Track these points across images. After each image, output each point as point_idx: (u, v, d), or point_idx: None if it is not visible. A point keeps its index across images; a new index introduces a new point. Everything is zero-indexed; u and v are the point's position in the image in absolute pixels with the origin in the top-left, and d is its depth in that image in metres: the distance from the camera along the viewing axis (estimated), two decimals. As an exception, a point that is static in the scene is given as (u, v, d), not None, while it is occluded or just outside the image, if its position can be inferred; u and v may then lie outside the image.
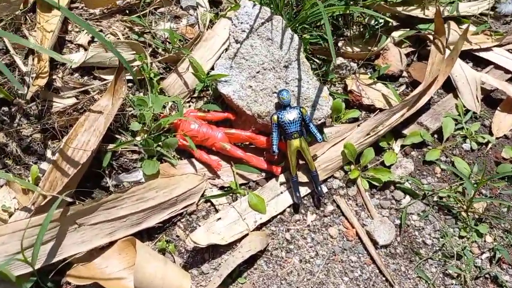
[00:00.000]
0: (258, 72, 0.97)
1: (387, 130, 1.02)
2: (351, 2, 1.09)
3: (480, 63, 1.23)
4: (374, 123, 1.02)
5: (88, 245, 0.78)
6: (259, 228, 0.92)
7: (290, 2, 1.08)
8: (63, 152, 0.84)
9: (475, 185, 0.95)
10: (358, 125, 1.03)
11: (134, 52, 0.99)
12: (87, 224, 0.78)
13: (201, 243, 0.84)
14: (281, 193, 0.95)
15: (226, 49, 1.06)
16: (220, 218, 0.89)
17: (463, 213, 0.97)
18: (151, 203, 0.85)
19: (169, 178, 0.89)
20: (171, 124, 0.94)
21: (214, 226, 0.88)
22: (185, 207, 0.90)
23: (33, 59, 0.92)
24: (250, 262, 0.88)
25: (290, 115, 0.90)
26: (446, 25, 1.21)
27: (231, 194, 0.94)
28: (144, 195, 0.84)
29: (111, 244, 0.81)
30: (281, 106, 0.91)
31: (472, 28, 1.27)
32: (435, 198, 0.99)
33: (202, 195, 0.93)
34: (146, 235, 0.88)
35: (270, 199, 0.94)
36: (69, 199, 0.75)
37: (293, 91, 0.97)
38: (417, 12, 1.22)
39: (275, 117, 0.90)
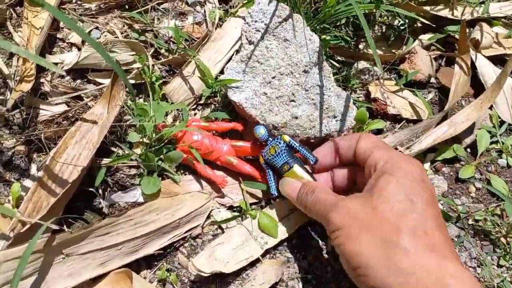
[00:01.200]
0: (274, 78, 0.86)
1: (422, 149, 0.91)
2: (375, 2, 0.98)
3: (514, 69, 1.11)
4: (405, 136, 0.91)
5: (77, 278, 0.67)
6: (268, 252, 0.81)
7: (310, 0, 0.96)
8: (50, 168, 0.72)
9: (518, 208, 0.84)
10: (384, 137, 0.92)
11: (134, 52, 0.87)
12: (75, 254, 0.67)
13: (205, 271, 0.73)
14: (292, 212, 0.84)
15: (237, 51, 0.95)
16: (222, 243, 0.78)
17: (502, 239, 0.86)
18: (151, 227, 0.74)
19: (172, 197, 0.78)
20: (174, 135, 0.83)
21: (217, 251, 0.77)
22: (189, 230, 0.79)
23: (17, 60, 0.80)
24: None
25: (272, 149, 0.77)
26: (477, 27, 1.10)
27: (241, 217, 0.83)
28: (143, 219, 0.73)
29: (103, 276, 0.70)
30: (264, 143, 0.80)
31: (504, 31, 1.16)
32: (471, 221, 0.88)
33: (208, 216, 0.82)
34: (144, 262, 0.77)
35: (281, 219, 0.83)
36: (55, 227, 0.64)
37: (313, 99, 0.86)
38: (445, 13, 1.11)
39: (260, 157, 0.79)
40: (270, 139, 0.79)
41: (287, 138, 0.78)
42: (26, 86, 0.74)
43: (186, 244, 0.80)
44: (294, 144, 0.77)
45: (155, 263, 0.77)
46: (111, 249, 0.70)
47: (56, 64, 0.84)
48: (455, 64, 1.03)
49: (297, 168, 0.75)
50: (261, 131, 0.77)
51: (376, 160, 0.61)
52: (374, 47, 0.72)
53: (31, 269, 0.63)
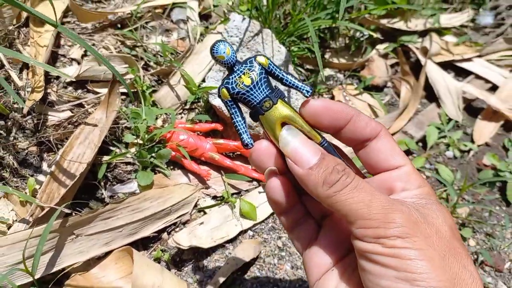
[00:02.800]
0: (248, 84, 1.00)
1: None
2: (337, 15, 1.13)
3: (461, 73, 1.28)
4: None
5: (86, 255, 0.80)
6: (251, 236, 0.94)
7: (278, 16, 1.11)
8: (59, 165, 0.86)
9: (458, 191, 0.98)
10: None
11: (127, 65, 1.01)
12: (84, 235, 0.80)
13: (183, 244, 0.86)
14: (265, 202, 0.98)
15: (217, 62, 1.08)
16: (202, 223, 0.92)
17: (448, 218, 1.01)
18: (146, 213, 0.87)
19: (163, 188, 0.91)
20: (163, 136, 0.96)
21: (197, 230, 0.90)
22: (179, 216, 0.92)
23: (27, 74, 0.93)
24: (244, 269, 0.90)
25: (245, 77, 0.46)
26: (428, 37, 1.26)
27: (223, 204, 0.96)
28: (139, 205, 0.86)
29: (107, 254, 0.83)
30: (227, 69, 0.47)
31: (453, 39, 1.32)
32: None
33: (195, 205, 0.95)
34: (141, 244, 0.89)
35: (258, 204, 0.97)
36: (67, 211, 0.77)
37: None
38: (400, 25, 1.27)
39: (223, 90, 0.47)
40: (238, 60, 0.47)
41: (264, 59, 0.47)
42: (37, 96, 0.87)
43: (177, 229, 0.93)
44: (275, 69, 0.47)
45: (151, 245, 0.90)
46: (114, 231, 0.83)
47: (58, 77, 0.97)
48: (401, 84, 1.19)
49: (283, 103, 0.46)
50: (226, 50, 0.45)
51: (414, 183, 0.46)
52: (318, 51, 0.87)
53: (48, 246, 0.76)
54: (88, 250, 0.80)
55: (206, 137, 1.00)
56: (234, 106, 0.48)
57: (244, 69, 0.46)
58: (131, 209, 0.85)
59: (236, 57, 0.46)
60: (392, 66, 1.23)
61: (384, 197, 0.41)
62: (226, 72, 0.48)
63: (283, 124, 0.47)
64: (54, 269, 0.77)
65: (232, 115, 0.48)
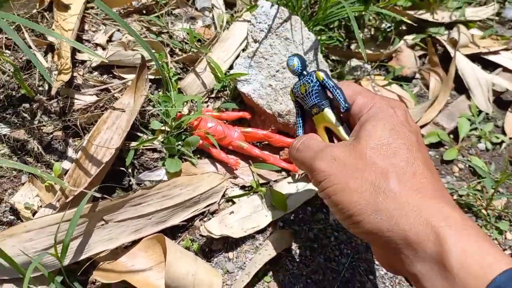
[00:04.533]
0: (277, 71, 0.97)
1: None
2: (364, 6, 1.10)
3: (488, 66, 1.25)
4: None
5: (115, 243, 0.76)
6: (281, 227, 0.91)
7: (306, 3, 1.08)
8: (86, 150, 0.82)
9: (498, 183, 0.95)
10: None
11: (154, 50, 0.98)
12: (113, 221, 0.77)
13: (215, 233, 0.83)
14: (297, 191, 0.95)
15: (244, 49, 1.06)
16: (232, 212, 0.88)
17: (483, 211, 0.97)
18: (176, 200, 0.83)
19: (192, 176, 0.88)
20: (190, 123, 0.93)
21: (227, 219, 0.87)
22: (208, 206, 0.89)
23: (52, 56, 0.90)
24: (275, 261, 0.87)
25: (303, 86, 0.64)
26: (455, 28, 1.24)
27: (252, 194, 0.93)
28: (169, 192, 0.83)
29: (135, 242, 0.80)
30: (297, 76, 0.66)
31: (479, 33, 1.29)
32: (455, 197, 0.99)
33: (224, 195, 0.92)
34: (170, 233, 0.86)
35: (288, 195, 0.94)
36: (97, 195, 0.73)
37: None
38: (426, 16, 1.24)
39: (291, 92, 0.68)
40: (305, 73, 0.65)
41: (321, 75, 0.62)
42: (65, 77, 0.84)
43: (205, 219, 0.89)
44: (328, 83, 0.61)
45: (179, 234, 0.86)
46: (143, 218, 0.79)
47: (84, 62, 0.94)
48: (430, 75, 1.16)
49: (327, 112, 0.61)
50: (294, 63, 0.65)
51: (360, 107, 0.58)
52: (360, 39, 0.84)
53: (77, 233, 0.72)
54: (118, 237, 0.77)
55: (233, 125, 0.97)
56: (298, 105, 0.68)
57: (304, 79, 0.64)
58: (161, 195, 0.82)
59: (301, 69, 0.65)
60: (419, 57, 1.20)
61: (316, 147, 0.58)
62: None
63: (326, 128, 0.63)
64: (82, 257, 0.74)
65: (296, 110, 0.69)
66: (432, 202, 0.47)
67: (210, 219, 0.89)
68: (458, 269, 0.43)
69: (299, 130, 0.68)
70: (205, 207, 0.88)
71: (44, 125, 0.84)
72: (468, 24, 1.29)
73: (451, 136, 1.09)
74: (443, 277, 0.44)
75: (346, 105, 0.58)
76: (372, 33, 1.22)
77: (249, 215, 0.89)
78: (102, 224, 0.75)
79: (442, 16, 1.26)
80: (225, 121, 0.98)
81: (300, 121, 0.69)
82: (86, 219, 0.73)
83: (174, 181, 0.84)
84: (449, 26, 1.27)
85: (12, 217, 0.77)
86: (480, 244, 0.44)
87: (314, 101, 0.62)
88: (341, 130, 0.60)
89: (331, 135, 0.64)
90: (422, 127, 1.08)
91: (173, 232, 0.86)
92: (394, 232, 0.48)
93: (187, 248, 0.85)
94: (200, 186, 0.88)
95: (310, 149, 0.57)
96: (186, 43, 1.04)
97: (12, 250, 0.68)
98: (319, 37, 1.10)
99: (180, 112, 0.95)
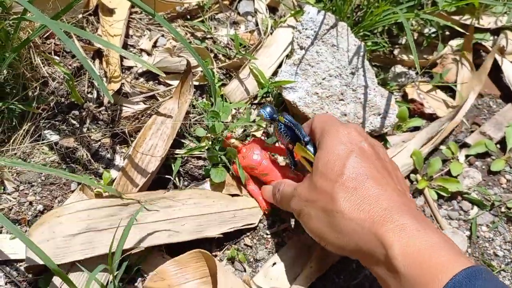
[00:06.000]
0: (324, 79, 0.96)
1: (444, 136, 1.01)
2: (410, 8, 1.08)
3: (535, 74, 1.21)
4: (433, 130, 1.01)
5: (147, 243, 0.75)
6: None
7: (352, 9, 1.07)
8: (132, 158, 0.82)
9: (547, 197, 0.93)
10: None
11: (200, 57, 0.97)
12: (143, 222, 0.76)
13: (264, 287, 0.81)
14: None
15: (288, 56, 1.04)
16: (275, 263, 0.84)
17: (533, 227, 0.95)
18: (209, 210, 0.82)
19: (223, 194, 0.86)
20: (235, 146, 0.89)
21: (271, 272, 0.83)
22: (245, 225, 0.86)
23: (100, 63, 0.91)
24: (323, 275, 0.85)
25: (276, 131, 0.80)
26: (502, 35, 1.20)
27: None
28: (201, 201, 0.82)
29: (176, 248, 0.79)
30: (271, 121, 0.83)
31: (527, 38, 1.26)
32: (503, 209, 0.97)
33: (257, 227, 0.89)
34: (215, 242, 0.85)
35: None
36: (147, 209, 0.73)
37: (359, 98, 0.96)
38: (471, 22, 1.21)
39: (281, 117, 0.78)
40: (274, 117, 0.80)
41: (282, 118, 0.75)
42: (115, 86, 0.84)
43: (248, 233, 0.87)
44: (291, 123, 0.73)
45: (224, 243, 0.85)
46: (176, 222, 0.78)
47: (130, 68, 0.94)
48: (458, 62, 1.14)
49: (298, 145, 0.73)
50: (261, 113, 0.80)
51: (314, 133, 0.69)
52: (414, 47, 0.82)
53: (107, 225, 0.73)
54: (151, 239, 0.76)
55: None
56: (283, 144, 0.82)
57: (274, 124, 0.79)
58: (193, 202, 0.81)
59: (269, 117, 0.81)
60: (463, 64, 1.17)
61: (290, 192, 0.70)
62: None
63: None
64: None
65: (286, 149, 0.82)
66: (374, 212, 0.54)
67: (254, 231, 0.88)
68: (404, 270, 0.48)
69: (291, 164, 0.80)
70: (242, 226, 0.86)
71: (93, 132, 0.84)
72: (515, 29, 1.25)
73: (498, 146, 1.06)
74: (395, 277, 0.49)
75: (305, 139, 0.69)
76: (415, 38, 1.20)
77: (292, 262, 0.86)
78: (137, 224, 0.75)
79: (488, 21, 1.22)
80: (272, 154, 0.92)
81: (289, 157, 0.80)
82: (120, 216, 0.73)
83: (206, 192, 0.83)
84: (495, 32, 1.23)
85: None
86: (432, 245, 0.48)
87: (287, 139, 0.75)
88: (307, 155, 0.70)
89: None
90: (467, 136, 1.05)
91: (218, 241, 0.85)
92: (351, 246, 0.56)
93: (232, 258, 0.84)
94: (235, 203, 0.86)
95: (286, 196, 0.71)
96: (230, 48, 1.04)
97: (42, 236, 0.70)
98: (365, 43, 1.08)
99: (231, 132, 0.92)
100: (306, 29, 0.98)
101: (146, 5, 0.74)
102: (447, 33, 1.21)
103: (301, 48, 0.98)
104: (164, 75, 0.77)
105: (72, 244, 0.71)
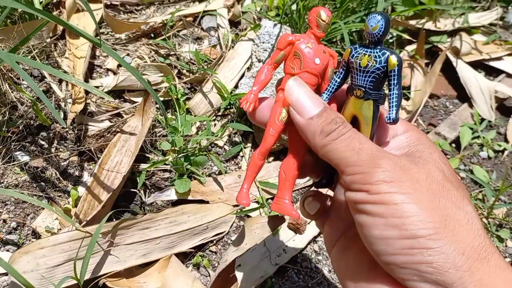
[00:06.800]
0: (281, 90, 1.01)
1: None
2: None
3: (492, 72, 1.26)
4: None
5: (123, 265, 0.81)
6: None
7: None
8: (98, 174, 0.88)
9: (495, 192, 0.98)
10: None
11: (162, 74, 1.03)
12: (122, 244, 0.82)
13: None
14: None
15: (248, 68, 1.10)
16: (240, 265, 0.89)
17: (484, 220, 1.00)
18: (184, 226, 0.87)
19: (200, 205, 0.92)
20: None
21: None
22: (216, 234, 0.92)
23: (67, 84, 0.96)
24: (281, 273, 0.91)
25: (367, 58, 0.45)
26: (457, 36, 1.25)
27: (259, 209, 0.97)
28: (177, 218, 0.87)
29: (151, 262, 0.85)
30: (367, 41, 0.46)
31: (482, 38, 1.31)
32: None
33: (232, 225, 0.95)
34: (182, 254, 0.91)
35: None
36: (107, 229, 0.79)
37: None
38: (429, 25, 1.26)
39: (348, 49, 0.47)
40: (381, 45, 0.46)
41: (394, 62, 0.44)
42: (79, 107, 0.89)
43: (213, 248, 0.93)
44: (396, 79, 0.45)
45: (189, 262, 0.91)
46: (151, 242, 0.84)
47: (97, 87, 0.99)
48: (411, 68, 1.19)
49: (371, 105, 0.46)
50: (376, 25, 0.44)
51: (406, 133, 0.48)
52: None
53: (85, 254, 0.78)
54: (126, 260, 0.82)
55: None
56: (344, 70, 0.48)
57: (374, 53, 0.45)
58: (169, 221, 0.86)
59: (381, 36, 0.44)
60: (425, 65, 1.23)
61: (374, 146, 0.42)
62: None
63: (354, 117, 0.47)
64: (90, 276, 0.78)
65: (336, 75, 0.48)
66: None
67: (220, 238, 0.93)
68: None
69: (324, 95, 0.48)
70: (213, 236, 0.92)
71: (61, 151, 0.90)
72: (471, 30, 1.31)
73: (453, 145, 1.11)
74: None
75: (395, 117, 0.44)
76: (375, 43, 1.25)
77: (256, 264, 0.92)
78: (113, 246, 0.80)
79: (444, 24, 1.27)
80: None
81: (333, 88, 0.48)
82: (99, 239, 0.79)
83: (182, 208, 0.89)
84: (452, 33, 1.28)
85: (34, 240, 0.83)
86: None
87: (366, 84, 0.46)
88: (370, 131, 0.46)
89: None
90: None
91: (185, 254, 0.91)
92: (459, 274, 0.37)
93: (197, 264, 0.90)
94: (209, 215, 0.91)
95: (362, 141, 0.42)
96: (193, 63, 1.09)
97: (27, 266, 0.75)
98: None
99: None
100: (263, 42, 1.03)
101: (110, 26, 0.79)
102: (407, 37, 1.27)
103: (259, 61, 1.03)
104: (113, 100, 0.82)
105: (56, 273, 0.77)
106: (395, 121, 0.44)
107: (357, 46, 0.46)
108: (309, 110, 0.43)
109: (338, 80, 0.48)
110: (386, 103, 0.45)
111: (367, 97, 0.45)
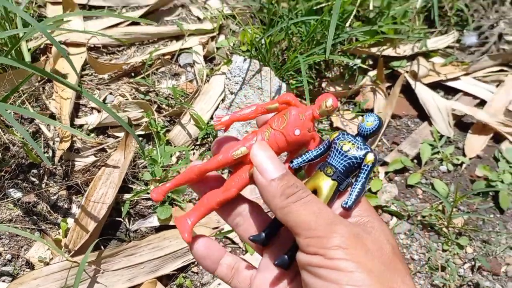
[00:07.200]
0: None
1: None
2: (331, 48, 1.23)
3: (450, 92, 1.37)
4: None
5: (111, 289, 0.89)
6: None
7: (276, 54, 1.22)
8: (85, 206, 0.96)
9: (453, 203, 1.07)
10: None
11: (142, 110, 1.12)
12: (109, 270, 0.90)
13: None
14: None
15: (223, 100, 1.19)
16: (220, 284, 0.97)
17: (444, 229, 1.09)
18: (166, 251, 0.95)
19: None
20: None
21: None
22: None
23: (54, 126, 1.05)
24: None
25: (350, 145, 0.49)
26: (415, 61, 1.36)
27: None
28: (159, 244, 0.95)
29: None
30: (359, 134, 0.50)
31: (441, 60, 1.41)
32: (419, 218, 1.11)
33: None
34: (165, 276, 0.98)
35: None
36: (92, 258, 0.87)
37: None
38: (389, 52, 1.37)
39: (336, 132, 0.50)
40: (366, 138, 0.51)
41: (370, 158, 0.50)
42: (65, 145, 0.98)
43: (194, 268, 1.01)
44: (365, 172, 0.51)
45: (172, 283, 0.99)
46: (136, 267, 0.92)
47: (82, 125, 1.08)
48: (373, 92, 1.29)
49: (335, 186, 0.50)
50: (370, 122, 0.49)
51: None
52: (306, 85, 0.97)
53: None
54: (113, 285, 0.89)
55: None
56: (325, 147, 0.50)
57: (358, 143, 0.48)
58: (152, 247, 0.95)
59: (371, 133, 0.48)
60: (386, 88, 1.33)
61: (331, 213, 0.43)
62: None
63: (314, 190, 0.48)
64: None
65: (314, 150, 0.50)
66: None
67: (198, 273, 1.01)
68: None
69: (295, 162, 0.49)
70: (194, 258, 1.00)
71: (50, 187, 0.98)
72: (430, 54, 1.41)
73: (415, 161, 1.21)
74: None
75: (351, 205, 0.47)
76: (341, 70, 1.35)
77: None
78: (100, 273, 0.88)
79: (404, 49, 1.38)
80: None
81: (307, 159, 0.50)
82: (86, 267, 0.86)
83: (164, 234, 0.97)
84: (412, 57, 1.39)
85: (28, 270, 0.91)
86: None
87: (339, 165, 0.49)
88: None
89: None
90: (387, 155, 1.20)
91: (168, 276, 0.98)
92: None
93: (180, 285, 0.97)
94: None
95: (321, 206, 0.44)
96: (171, 98, 1.18)
97: None
98: (291, 81, 1.23)
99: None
100: (234, 76, 1.13)
101: (93, 68, 0.88)
102: (364, 66, 1.37)
103: (232, 93, 1.13)
104: (94, 140, 0.91)
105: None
106: (350, 208, 0.46)
107: (345, 133, 0.50)
108: (271, 172, 0.44)
109: (315, 154, 0.50)
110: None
111: (334, 177, 0.48)
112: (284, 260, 0.45)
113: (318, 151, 0.49)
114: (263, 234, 0.48)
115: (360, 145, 0.48)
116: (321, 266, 0.40)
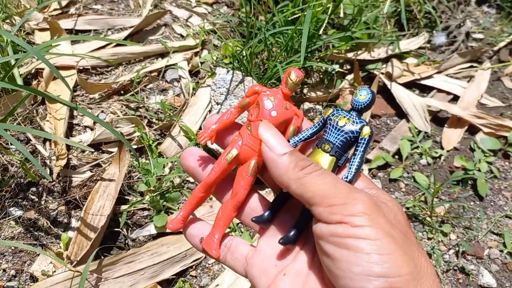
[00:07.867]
0: (238, 127, 1.16)
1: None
2: (309, 55, 1.30)
3: (425, 89, 1.44)
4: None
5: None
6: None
7: (257, 64, 1.28)
8: (84, 219, 1.00)
9: (433, 193, 1.13)
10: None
11: (134, 125, 1.17)
12: (111, 278, 0.94)
13: None
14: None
15: (210, 111, 1.25)
16: (218, 285, 1.02)
17: (428, 218, 1.14)
18: (164, 256, 1.00)
19: (178, 236, 1.05)
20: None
21: None
22: (195, 260, 1.04)
23: (50, 144, 1.09)
24: None
25: (345, 120, 0.49)
26: (389, 63, 1.43)
27: (231, 233, 1.10)
28: (158, 250, 1.00)
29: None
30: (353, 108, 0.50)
31: (414, 61, 1.49)
32: (404, 209, 1.17)
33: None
34: (166, 281, 1.03)
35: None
36: (93, 267, 0.91)
37: (270, 138, 1.16)
38: (365, 55, 1.44)
39: (330, 109, 0.51)
40: (360, 112, 0.51)
41: (366, 131, 0.49)
42: (62, 162, 1.02)
43: (193, 272, 1.05)
44: (361, 145, 0.50)
45: (173, 282, 1.03)
46: (137, 273, 0.96)
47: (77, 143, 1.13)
48: (353, 94, 1.35)
49: (334, 161, 0.49)
50: (363, 96, 0.49)
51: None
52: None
53: None
54: None
55: None
56: (320, 125, 0.51)
57: (353, 118, 0.48)
58: (151, 253, 0.99)
59: (364, 107, 0.48)
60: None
61: (346, 183, 0.42)
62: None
63: None
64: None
65: (310, 128, 0.51)
66: None
67: (199, 263, 1.06)
68: None
69: (292, 141, 0.50)
70: (192, 262, 1.04)
71: (49, 203, 1.02)
72: (403, 55, 1.49)
73: (396, 157, 1.27)
74: None
75: (351, 178, 0.47)
76: (321, 76, 1.42)
77: (233, 282, 1.04)
78: (102, 281, 0.92)
79: (378, 53, 1.45)
80: None
81: (304, 137, 0.51)
82: (91, 275, 0.91)
83: (161, 240, 1.02)
84: (386, 59, 1.46)
85: (32, 284, 0.95)
86: None
87: (337, 141, 0.49)
88: None
89: None
90: (369, 153, 1.26)
91: (168, 281, 1.03)
92: None
93: (180, 289, 1.02)
94: (186, 244, 1.04)
95: (336, 177, 0.43)
96: (161, 112, 1.24)
97: None
98: (272, 90, 1.29)
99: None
100: (219, 87, 1.19)
101: (84, 88, 0.93)
102: (342, 70, 1.44)
103: (217, 103, 1.18)
104: (92, 150, 0.96)
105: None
106: (351, 181, 0.47)
107: (339, 109, 0.49)
108: (280, 147, 0.44)
109: (311, 131, 0.50)
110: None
111: (332, 153, 0.48)
112: (289, 238, 0.46)
113: (313, 129, 0.50)
114: (265, 215, 0.48)
115: (355, 119, 0.48)
116: (347, 236, 0.38)
